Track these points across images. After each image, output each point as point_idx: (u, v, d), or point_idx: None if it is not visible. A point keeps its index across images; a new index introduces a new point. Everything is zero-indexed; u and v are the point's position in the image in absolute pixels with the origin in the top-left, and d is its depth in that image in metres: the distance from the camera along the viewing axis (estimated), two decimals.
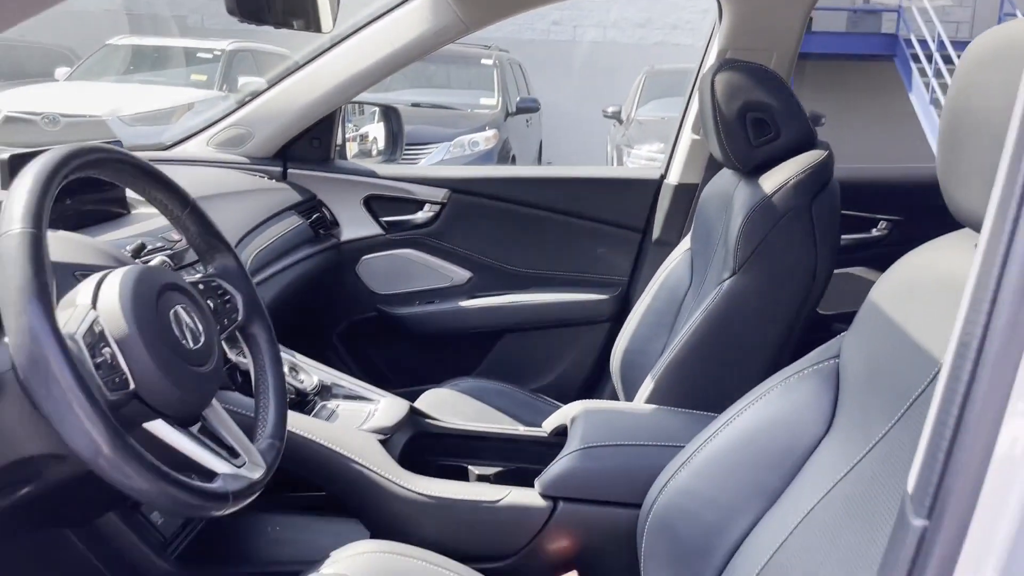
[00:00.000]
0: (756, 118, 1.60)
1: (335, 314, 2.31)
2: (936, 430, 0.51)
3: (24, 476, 0.91)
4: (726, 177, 1.80)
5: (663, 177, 2.29)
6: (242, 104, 2.20)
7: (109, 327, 0.87)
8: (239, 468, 0.96)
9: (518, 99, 8.24)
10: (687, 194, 2.20)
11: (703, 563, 1.08)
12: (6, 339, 0.81)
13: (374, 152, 2.71)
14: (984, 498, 0.49)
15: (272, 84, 2.17)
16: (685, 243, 1.94)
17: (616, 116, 8.86)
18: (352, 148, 2.56)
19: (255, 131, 2.17)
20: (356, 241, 2.29)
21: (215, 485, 0.90)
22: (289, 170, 2.21)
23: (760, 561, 1.00)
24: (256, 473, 0.97)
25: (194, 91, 7.72)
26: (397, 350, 2.34)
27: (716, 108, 1.62)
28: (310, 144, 2.22)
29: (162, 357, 0.89)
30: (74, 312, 0.87)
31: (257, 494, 0.96)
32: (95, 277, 0.92)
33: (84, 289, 0.90)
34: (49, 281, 0.79)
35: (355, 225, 2.29)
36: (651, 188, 2.29)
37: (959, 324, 0.52)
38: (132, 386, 0.86)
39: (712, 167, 2.15)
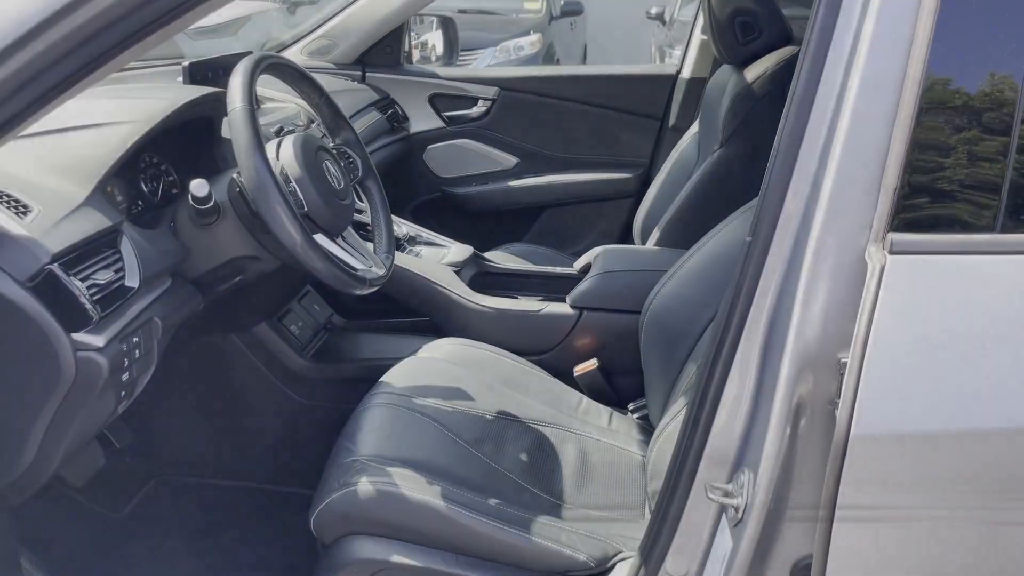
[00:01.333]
0: (743, 21, 2.01)
1: (407, 194, 2.81)
2: (763, 183, 0.97)
3: (236, 269, 1.44)
4: (725, 70, 2.21)
5: (678, 72, 2.71)
6: (327, 19, 2.65)
7: (289, 171, 1.37)
8: (369, 267, 1.47)
9: (562, 2, 8.42)
10: (698, 86, 2.62)
11: (682, 343, 1.56)
12: (234, 175, 1.32)
13: (433, 58, 3.14)
14: (780, 224, 0.95)
15: (351, 2, 2.62)
16: (695, 127, 2.37)
17: (659, 17, 8.97)
18: (415, 54, 3.01)
19: (339, 42, 2.63)
20: (422, 133, 2.77)
21: (357, 273, 1.41)
22: (367, 73, 2.68)
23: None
24: (380, 271, 1.48)
25: (250, 3, 8.06)
26: (458, 223, 2.83)
27: (711, 13, 2.03)
28: (383, 51, 2.68)
29: (321, 191, 1.39)
30: None
31: (381, 284, 1.46)
32: (275, 140, 1.41)
33: (269, 147, 1.40)
34: (262, 137, 1.29)
35: (422, 119, 2.76)
36: (668, 82, 2.71)
37: None
38: (306, 208, 1.37)
39: (718, 63, 2.55)
